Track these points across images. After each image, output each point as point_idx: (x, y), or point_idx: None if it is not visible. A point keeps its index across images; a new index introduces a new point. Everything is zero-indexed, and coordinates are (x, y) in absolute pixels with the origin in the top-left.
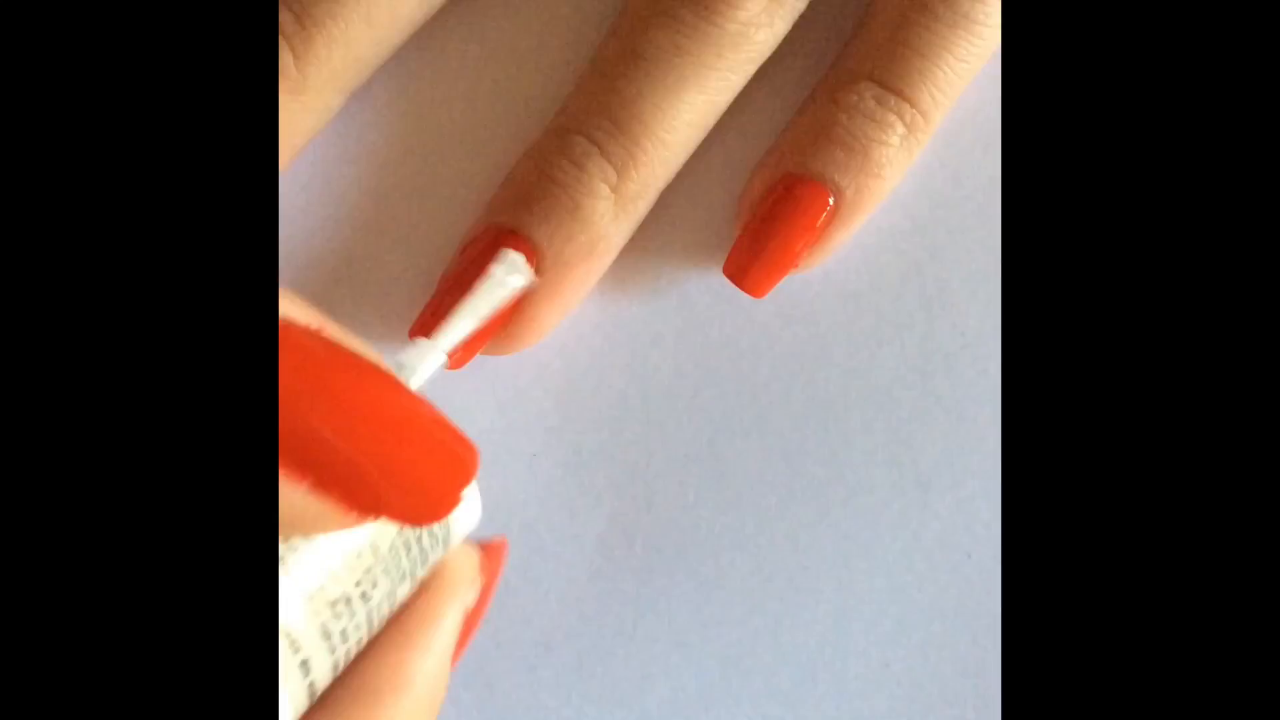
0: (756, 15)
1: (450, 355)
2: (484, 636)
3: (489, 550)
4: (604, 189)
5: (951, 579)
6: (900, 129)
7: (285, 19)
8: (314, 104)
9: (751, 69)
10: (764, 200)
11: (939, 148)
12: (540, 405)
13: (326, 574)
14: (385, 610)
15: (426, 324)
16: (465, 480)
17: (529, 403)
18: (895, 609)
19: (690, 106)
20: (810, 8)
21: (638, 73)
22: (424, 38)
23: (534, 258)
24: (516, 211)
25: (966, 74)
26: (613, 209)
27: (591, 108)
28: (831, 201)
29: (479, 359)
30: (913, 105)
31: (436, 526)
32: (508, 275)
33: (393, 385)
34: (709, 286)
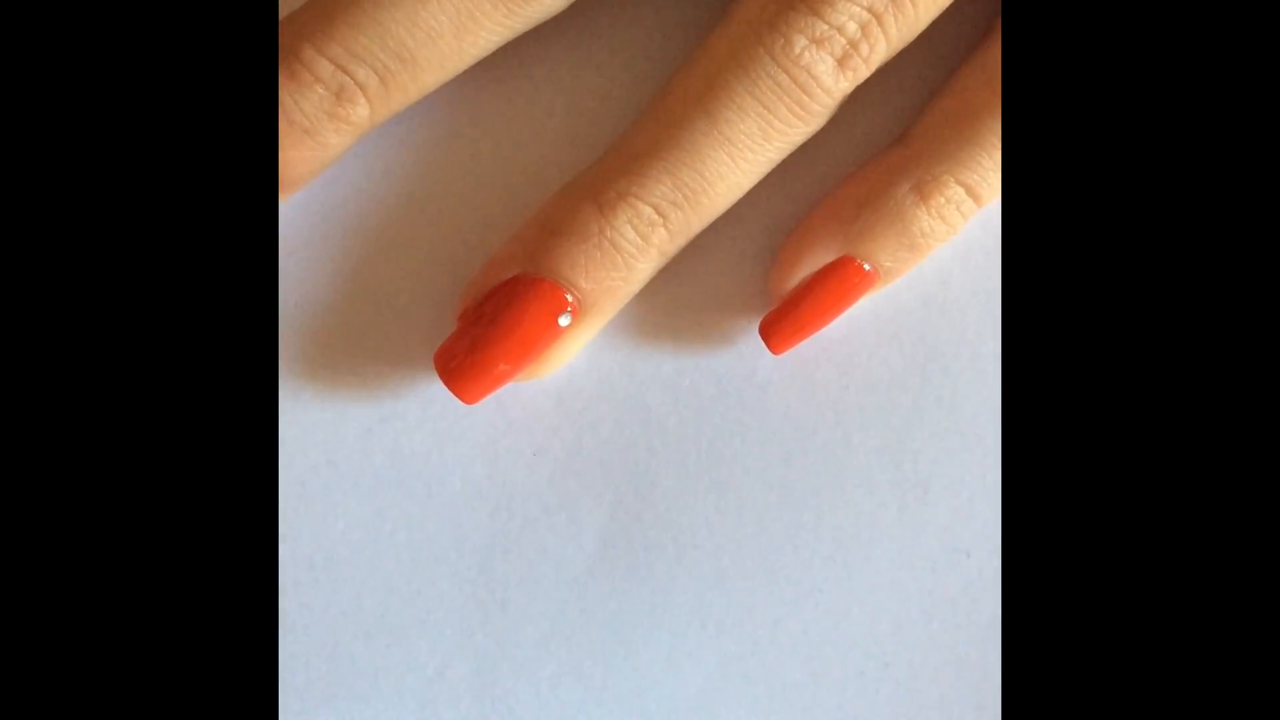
0: (832, 107)
1: (468, 392)
2: (484, 636)
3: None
4: (656, 255)
5: (951, 579)
6: (961, 225)
7: (367, 78)
8: (360, 134)
9: None
10: (818, 275)
11: None
12: (540, 405)
13: None
14: None
15: (450, 354)
16: None
17: (529, 403)
18: (895, 609)
19: (753, 182)
20: None
21: (724, 156)
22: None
23: (577, 309)
24: (571, 267)
25: None
26: (656, 263)
27: (667, 180)
28: (870, 271)
29: None
30: (979, 204)
31: None
32: None
33: None
34: (709, 287)
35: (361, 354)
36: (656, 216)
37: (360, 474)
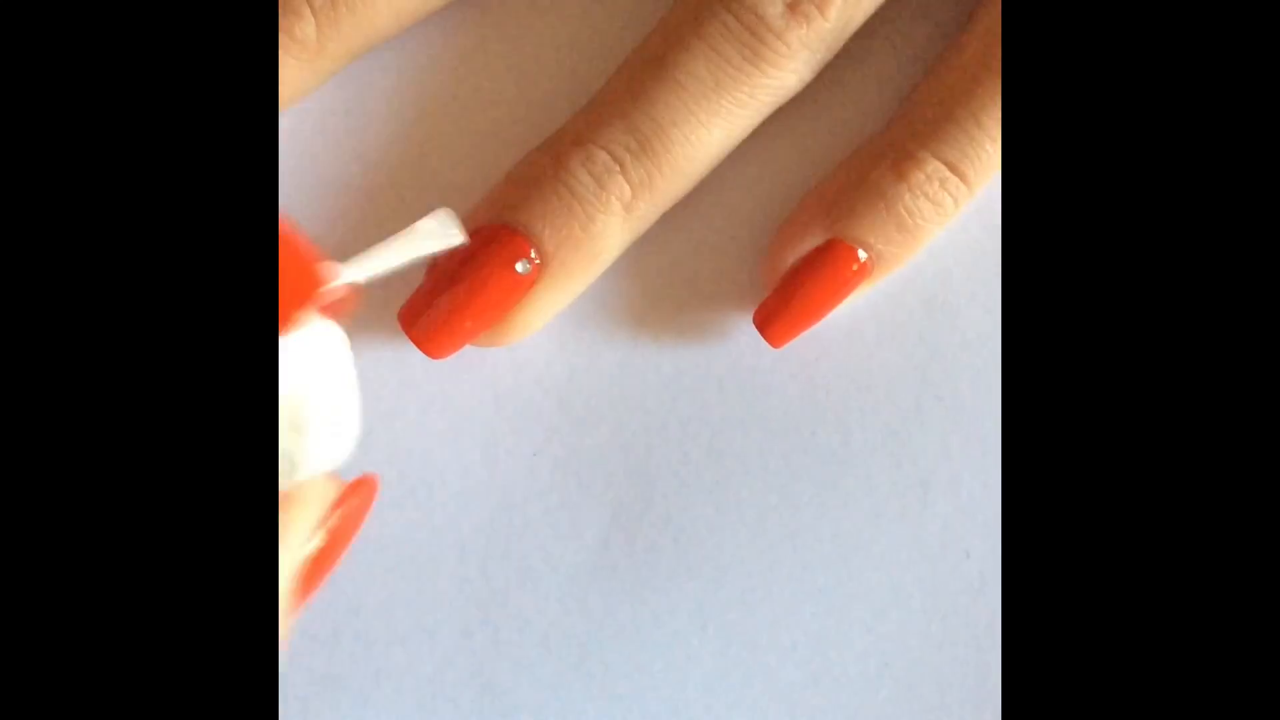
0: (796, 64)
1: (433, 346)
2: (484, 636)
3: (356, 486)
4: (617, 206)
5: (951, 579)
6: (952, 206)
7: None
8: (322, 68)
9: (773, 109)
10: (806, 260)
11: None
12: (540, 405)
13: None
14: None
15: (418, 314)
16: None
17: (529, 403)
18: (895, 609)
19: (714, 139)
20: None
21: (674, 100)
22: (437, 23)
23: (539, 258)
24: (528, 213)
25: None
26: (621, 225)
27: (619, 123)
28: (865, 260)
29: (478, 359)
30: (967, 184)
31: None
32: (440, 231)
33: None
34: (709, 287)
35: (361, 354)
36: (612, 162)
37: (360, 474)
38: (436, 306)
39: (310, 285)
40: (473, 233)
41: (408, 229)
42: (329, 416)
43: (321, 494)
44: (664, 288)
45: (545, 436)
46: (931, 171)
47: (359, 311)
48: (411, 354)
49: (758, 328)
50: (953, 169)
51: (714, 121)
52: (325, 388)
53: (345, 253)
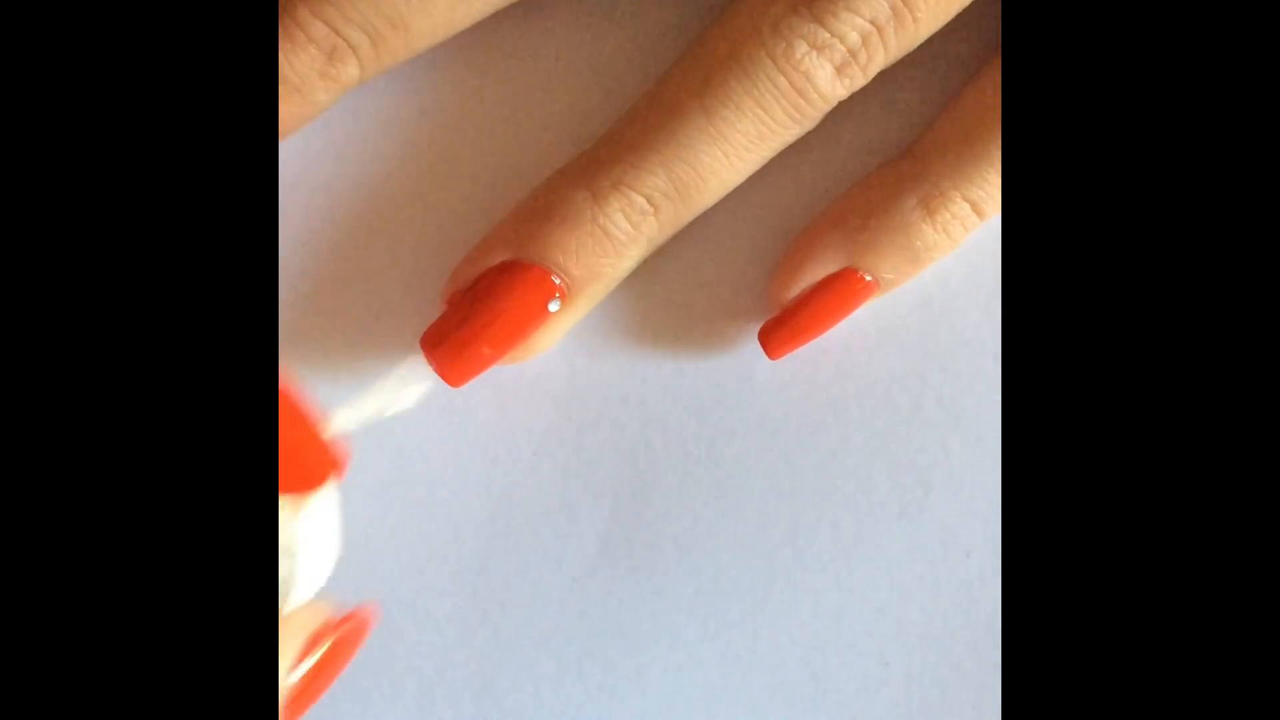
0: (825, 111)
1: (453, 375)
2: (484, 636)
3: (349, 617)
4: (645, 243)
5: (951, 579)
6: (963, 238)
7: (359, 40)
8: (345, 90)
9: None
10: (819, 286)
11: None
12: (540, 405)
13: None
14: None
15: (439, 336)
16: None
17: (529, 403)
18: (895, 609)
19: (742, 179)
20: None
21: (717, 152)
22: (449, 44)
23: (565, 294)
24: (563, 252)
25: None
26: (642, 254)
27: (661, 171)
28: (870, 281)
29: None
30: (983, 219)
31: None
32: (412, 378)
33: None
34: (710, 288)
35: (361, 354)
36: (649, 206)
37: (360, 474)
38: (460, 336)
39: (323, 463)
40: (501, 265)
41: (382, 380)
42: (317, 536)
43: (308, 621)
44: (665, 289)
45: (545, 436)
46: (957, 211)
47: (357, 309)
48: (411, 354)
49: (761, 342)
50: (975, 208)
51: (745, 167)
52: (313, 507)
53: (353, 272)
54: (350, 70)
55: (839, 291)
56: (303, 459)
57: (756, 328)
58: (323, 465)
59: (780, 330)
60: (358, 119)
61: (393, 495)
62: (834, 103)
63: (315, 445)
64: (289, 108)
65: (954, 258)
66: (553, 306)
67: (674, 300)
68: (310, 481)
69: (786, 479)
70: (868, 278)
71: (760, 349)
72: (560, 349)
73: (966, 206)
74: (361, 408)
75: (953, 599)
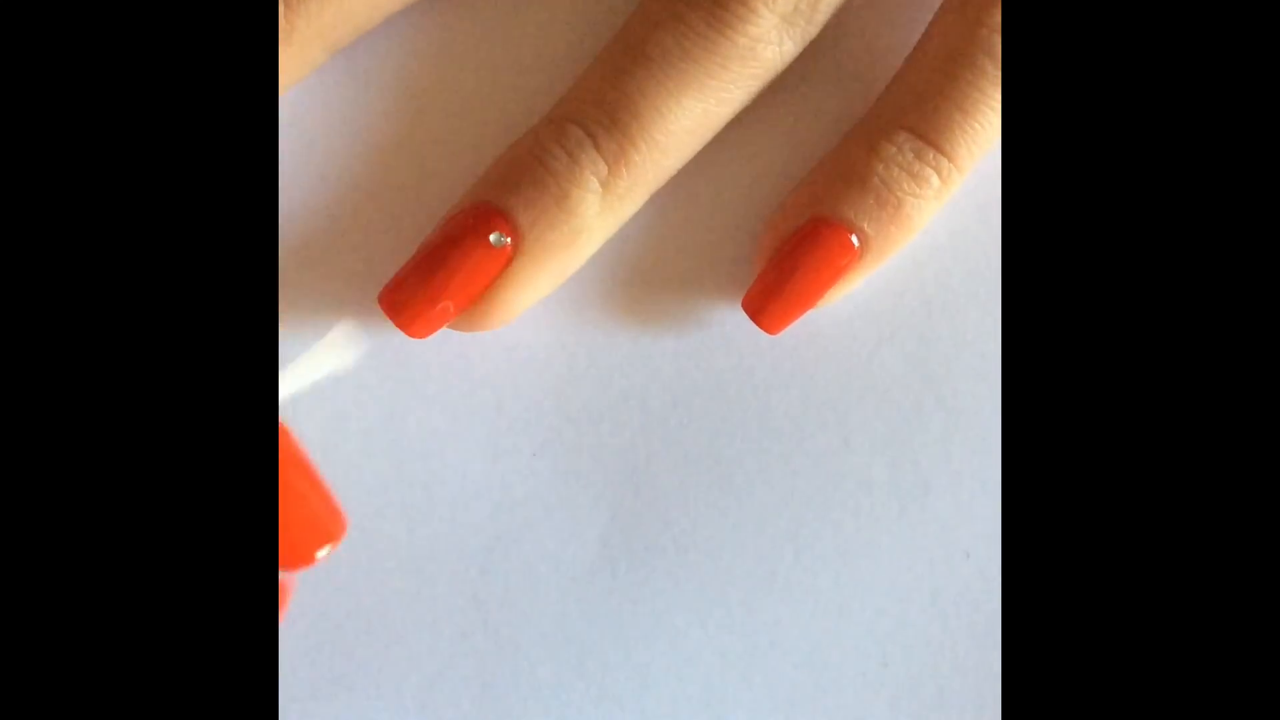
0: (766, 33)
1: (411, 325)
2: (484, 636)
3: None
4: (593, 181)
5: (951, 579)
6: (935, 182)
7: None
8: (298, 56)
9: (756, 86)
10: (790, 240)
11: None
12: (540, 405)
13: None
14: None
15: (396, 293)
16: (319, 544)
17: (529, 403)
18: (895, 609)
19: (688, 113)
20: (835, 41)
21: (640, 71)
22: (424, 16)
23: (515, 238)
24: (503, 191)
25: (998, 125)
26: (599, 203)
27: (590, 100)
28: (856, 245)
29: (477, 359)
30: (950, 160)
31: None
32: (344, 343)
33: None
34: (710, 287)
35: (361, 354)
36: (584, 136)
37: (360, 474)
38: (414, 285)
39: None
40: (453, 215)
41: (318, 343)
42: None
43: None
44: (665, 288)
45: (545, 436)
46: (901, 141)
47: (356, 312)
48: (410, 354)
49: (750, 315)
50: (923, 137)
51: (686, 92)
52: None
53: (343, 241)
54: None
55: (814, 244)
56: (310, 522)
57: (757, 327)
58: (328, 528)
59: (767, 297)
60: (342, 99)
61: (393, 495)
62: (763, 11)
63: (322, 507)
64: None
65: (954, 258)
66: (494, 239)
67: (674, 300)
68: (314, 545)
69: (786, 479)
70: (854, 240)
71: (762, 348)
72: (560, 349)
73: (912, 137)
74: (301, 372)
75: (952, 599)
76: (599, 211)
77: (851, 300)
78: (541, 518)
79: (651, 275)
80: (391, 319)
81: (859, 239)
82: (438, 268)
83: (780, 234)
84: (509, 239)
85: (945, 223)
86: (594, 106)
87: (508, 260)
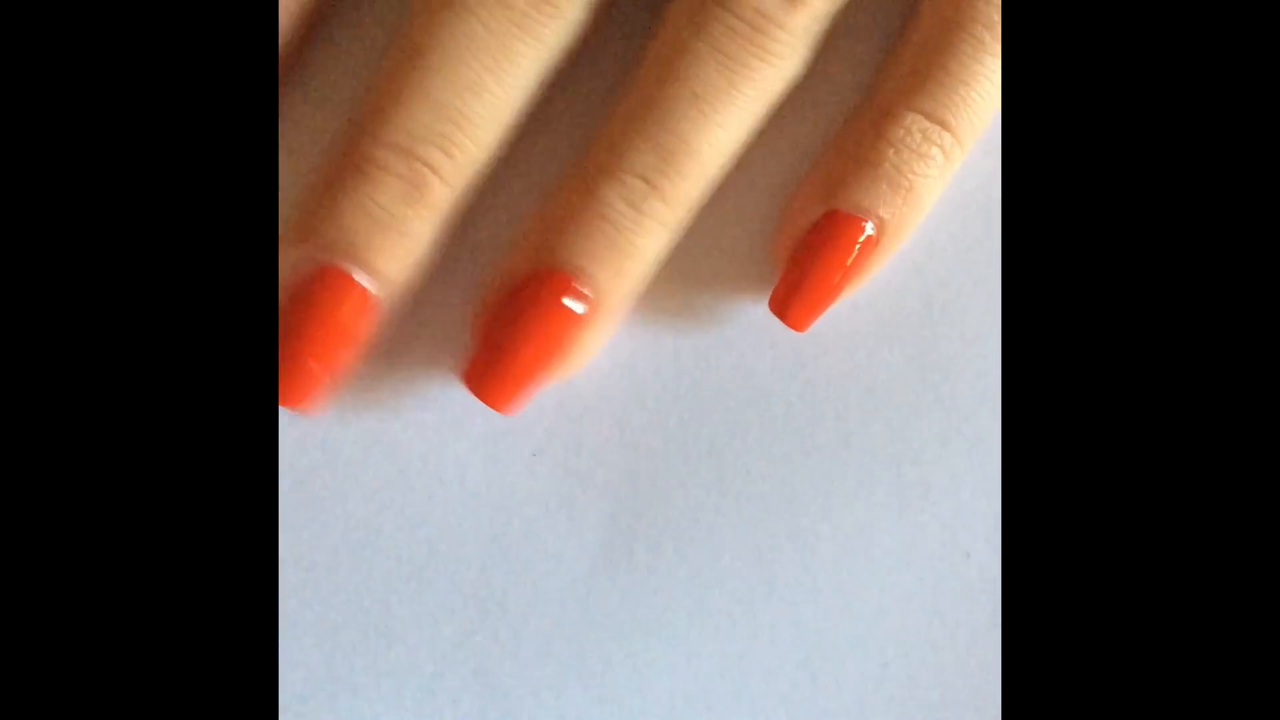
0: (797, 49)
1: (503, 402)
2: (484, 636)
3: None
4: (658, 228)
5: (951, 579)
6: (941, 160)
7: (430, 153)
8: (445, 217)
9: (782, 98)
10: (808, 236)
11: None
12: (540, 405)
13: None
14: None
15: (478, 369)
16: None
17: (529, 403)
18: (895, 609)
19: (735, 138)
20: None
21: (691, 110)
22: None
23: (593, 295)
24: (572, 251)
25: (997, 96)
26: (661, 241)
27: (643, 144)
28: (872, 232)
29: None
30: (953, 134)
31: None
32: None
33: None
34: (710, 287)
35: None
36: (645, 185)
37: (360, 474)
38: (499, 362)
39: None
40: (520, 280)
41: None
42: None
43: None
44: (665, 287)
45: (545, 436)
46: (910, 123)
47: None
48: (410, 354)
49: (776, 314)
50: (930, 117)
51: (731, 121)
52: None
53: None
54: (436, 190)
55: (832, 236)
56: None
57: (758, 327)
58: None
59: (792, 294)
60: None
61: (393, 495)
62: (801, 34)
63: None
64: (393, 248)
65: (954, 258)
66: (575, 307)
67: (676, 299)
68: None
69: (786, 479)
70: (869, 227)
71: (762, 348)
72: None
73: (920, 118)
74: None
75: (952, 599)
76: (661, 248)
77: (852, 300)
78: (541, 518)
79: (654, 278)
80: (484, 401)
81: (875, 226)
82: (522, 342)
83: (797, 229)
84: (587, 299)
85: (946, 223)
86: (648, 151)
87: (587, 318)
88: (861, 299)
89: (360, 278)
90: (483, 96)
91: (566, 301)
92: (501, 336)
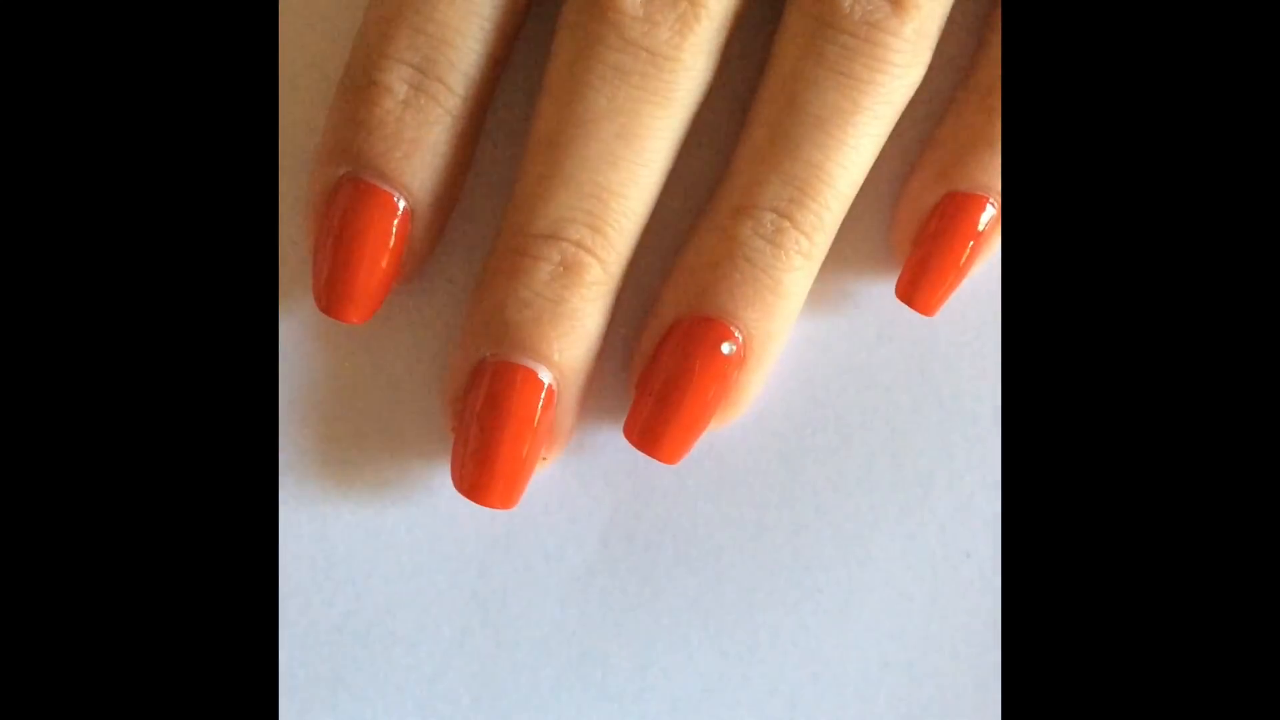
0: (919, 53)
1: (668, 454)
2: (484, 636)
3: None
4: (799, 259)
5: (951, 579)
6: None
7: (582, 233)
8: (608, 293)
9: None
10: (929, 219)
11: None
12: None
13: None
14: None
15: (639, 421)
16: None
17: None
18: (895, 609)
19: (867, 154)
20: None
21: (820, 136)
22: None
23: (745, 338)
24: (718, 295)
25: None
26: (806, 271)
27: (774, 178)
28: (995, 209)
29: None
30: None
31: None
32: None
33: None
34: None
35: (361, 355)
36: (780, 220)
37: (360, 475)
38: (666, 417)
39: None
40: (669, 329)
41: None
42: None
43: None
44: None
45: None
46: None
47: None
48: (410, 354)
49: (903, 300)
50: None
51: (861, 141)
52: None
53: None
54: (594, 272)
55: (954, 216)
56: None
57: (894, 291)
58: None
59: (916, 280)
60: None
61: (393, 495)
62: (913, 37)
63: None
64: (566, 334)
65: None
66: (726, 349)
67: None
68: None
69: (786, 479)
70: (990, 209)
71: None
72: None
73: None
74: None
75: (953, 599)
76: (807, 278)
77: (852, 300)
78: (541, 518)
79: (651, 275)
80: (647, 454)
81: (993, 201)
82: (684, 395)
83: (917, 214)
84: (739, 342)
85: None
86: (782, 185)
87: (740, 359)
88: (862, 299)
89: (534, 366)
90: (618, 166)
91: (721, 347)
92: (660, 389)
